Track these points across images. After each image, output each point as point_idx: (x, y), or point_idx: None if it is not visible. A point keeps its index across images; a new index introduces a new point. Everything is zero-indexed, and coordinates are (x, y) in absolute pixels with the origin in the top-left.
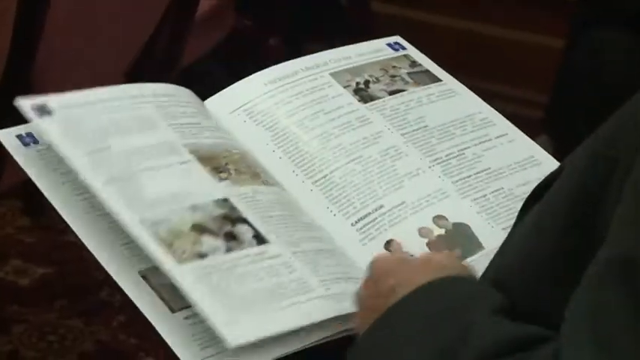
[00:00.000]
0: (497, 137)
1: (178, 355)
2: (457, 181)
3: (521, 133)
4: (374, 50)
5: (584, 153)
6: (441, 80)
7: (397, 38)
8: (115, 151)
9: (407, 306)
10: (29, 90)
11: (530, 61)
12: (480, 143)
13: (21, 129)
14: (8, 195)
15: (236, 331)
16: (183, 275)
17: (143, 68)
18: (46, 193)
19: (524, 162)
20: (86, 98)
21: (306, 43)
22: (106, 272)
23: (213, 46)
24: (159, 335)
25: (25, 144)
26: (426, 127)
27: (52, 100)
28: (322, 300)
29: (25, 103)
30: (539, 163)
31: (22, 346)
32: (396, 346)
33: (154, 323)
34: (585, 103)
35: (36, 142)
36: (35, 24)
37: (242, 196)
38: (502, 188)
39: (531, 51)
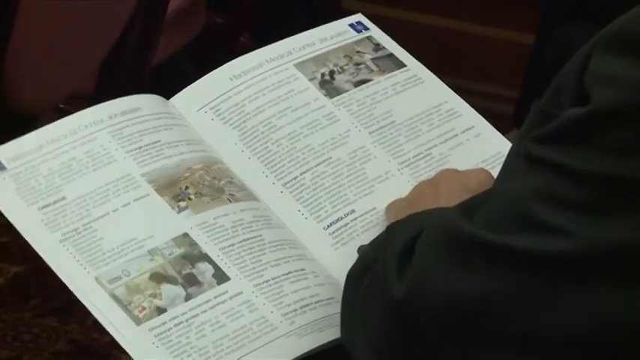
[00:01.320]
0: (464, 132)
1: None
2: None
3: (487, 124)
4: (337, 33)
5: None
6: (405, 65)
7: (359, 17)
8: (69, 200)
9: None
10: (1, 85)
11: (501, 56)
12: (446, 140)
13: None
14: None
15: None
16: (142, 338)
17: (116, 65)
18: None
19: (491, 159)
20: (38, 141)
21: (277, 39)
22: None
23: (185, 44)
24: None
25: None
26: (393, 122)
27: (3, 152)
28: (285, 339)
29: None
30: None
31: None
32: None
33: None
34: None
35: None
36: (5, 19)
37: (202, 226)
38: None
39: (501, 46)
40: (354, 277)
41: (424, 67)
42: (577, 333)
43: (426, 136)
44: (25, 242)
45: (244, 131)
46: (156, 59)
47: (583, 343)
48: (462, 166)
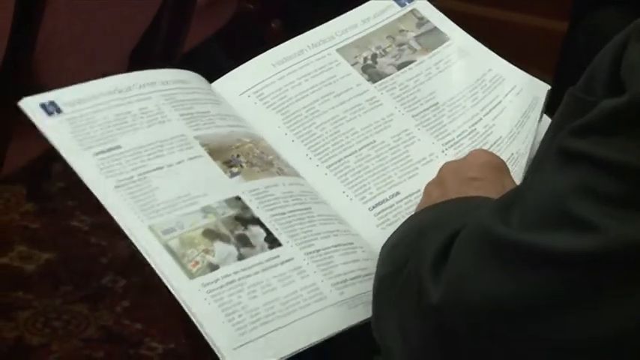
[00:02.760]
0: (506, 95)
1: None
2: None
3: (525, 76)
4: (380, 11)
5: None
6: (449, 39)
7: None
8: (124, 150)
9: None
10: (30, 75)
11: (535, 43)
12: (490, 111)
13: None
14: (13, 180)
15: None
16: (195, 292)
17: (147, 53)
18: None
19: (529, 111)
20: (94, 91)
21: (308, 26)
22: (110, 257)
23: (216, 31)
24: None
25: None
26: (436, 104)
27: (60, 96)
28: (335, 309)
29: (32, 101)
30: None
31: (27, 331)
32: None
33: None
34: None
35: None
36: (35, 8)
37: (254, 193)
38: (513, 154)
39: (535, 33)
40: (386, 278)
41: (468, 35)
42: (618, 333)
43: (470, 112)
44: (56, 229)
45: (287, 115)
46: (186, 46)
47: (625, 345)
48: (505, 132)
